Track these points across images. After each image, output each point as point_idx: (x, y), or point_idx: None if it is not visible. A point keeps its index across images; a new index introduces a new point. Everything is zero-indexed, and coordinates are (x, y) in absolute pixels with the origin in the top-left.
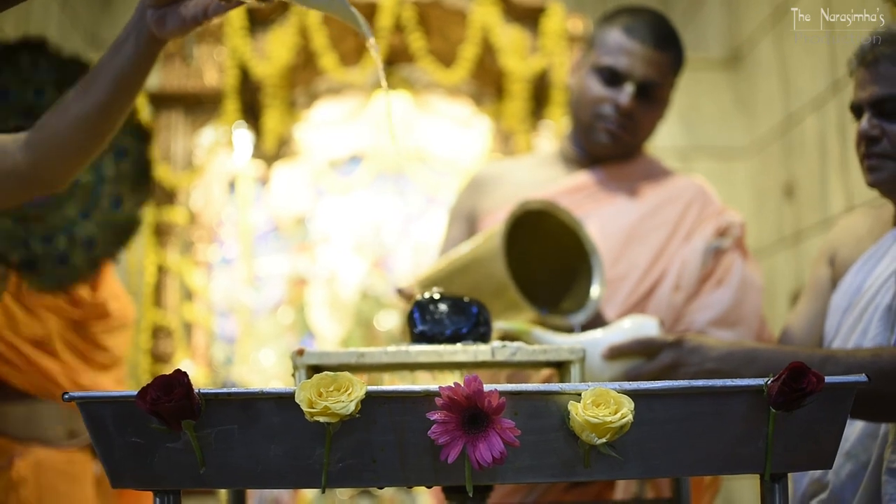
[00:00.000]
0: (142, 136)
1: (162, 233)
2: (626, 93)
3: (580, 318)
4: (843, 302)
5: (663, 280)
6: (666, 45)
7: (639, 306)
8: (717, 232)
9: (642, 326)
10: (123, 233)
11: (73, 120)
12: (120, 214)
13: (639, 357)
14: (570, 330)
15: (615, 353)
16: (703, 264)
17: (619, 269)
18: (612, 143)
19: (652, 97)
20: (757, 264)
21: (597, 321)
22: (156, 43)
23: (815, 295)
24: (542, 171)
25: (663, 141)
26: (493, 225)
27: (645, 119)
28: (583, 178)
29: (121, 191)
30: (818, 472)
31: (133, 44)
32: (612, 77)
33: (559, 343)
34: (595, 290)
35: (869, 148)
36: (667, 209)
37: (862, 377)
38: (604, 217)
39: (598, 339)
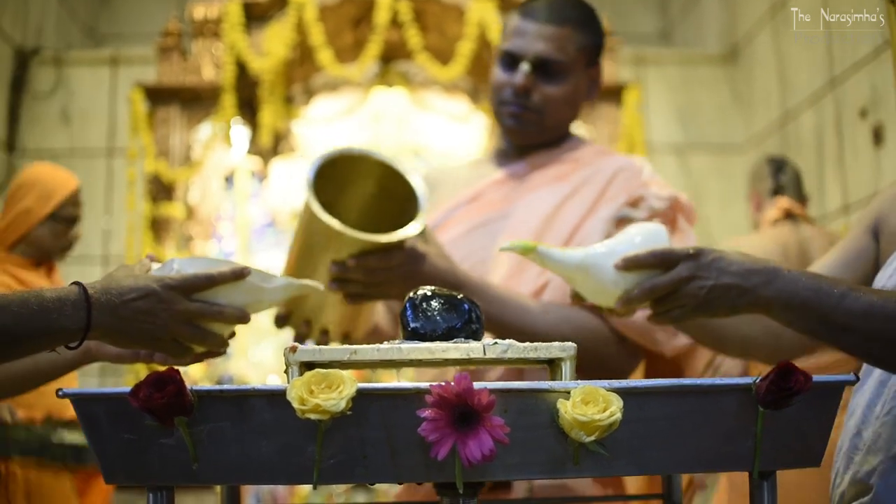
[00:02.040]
0: None
1: (159, 228)
2: (521, 72)
3: (409, 230)
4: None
5: None
6: (563, 20)
7: (544, 289)
8: (628, 202)
9: (655, 235)
10: None
11: None
12: None
13: (654, 269)
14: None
15: (630, 265)
16: (606, 235)
17: None
18: (517, 126)
19: (553, 73)
20: (687, 242)
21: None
22: (91, 357)
23: (844, 257)
24: (476, 170)
25: (660, 136)
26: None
27: (551, 98)
28: (508, 170)
29: None
30: (861, 473)
31: (70, 357)
32: (510, 61)
33: (567, 258)
34: (419, 210)
35: None
36: (587, 188)
37: (850, 376)
38: (527, 205)
39: (610, 251)
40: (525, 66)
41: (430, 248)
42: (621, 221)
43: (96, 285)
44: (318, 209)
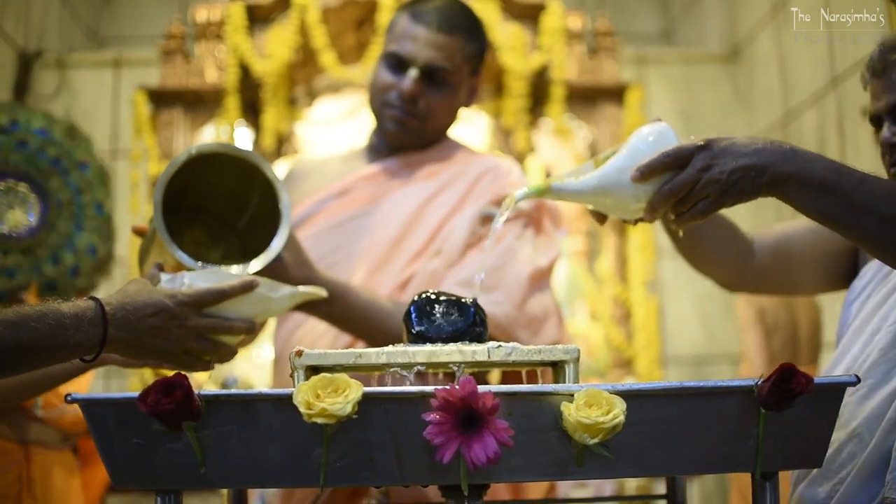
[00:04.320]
0: (88, 144)
1: None
2: (409, 78)
3: (256, 264)
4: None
5: (428, 250)
6: (453, 29)
7: (408, 282)
8: (493, 201)
9: (661, 135)
10: (112, 231)
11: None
12: (104, 216)
13: (670, 170)
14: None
15: (647, 173)
16: (470, 232)
17: (399, 249)
18: (400, 131)
19: (440, 82)
20: (552, 245)
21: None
22: (100, 362)
23: (819, 233)
24: (348, 164)
25: None
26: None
27: (436, 105)
28: (378, 166)
29: (96, 196)
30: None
31: (79, 362)
32: (397, 63)
33: (584, 186)
34: (281, 233)
35: (893, 155)
36: (455, 185)
37: (851, 378)
38: (395, 202)
39: (622, 166)
40: (414, 73)
41: (288, 258)
42: (486, 219)
43: (112, 301)
44: (165, 238)
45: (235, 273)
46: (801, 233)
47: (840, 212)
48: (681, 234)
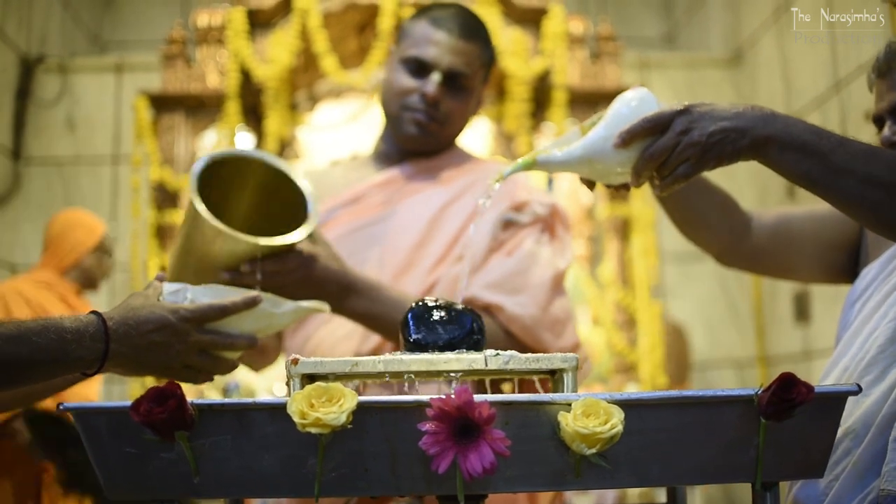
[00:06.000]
0: None
1: (164, 235)
2: (433, 81)
3: (298, 234)
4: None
5: (450, 255)
6: (472, 35)
7: (433, 287)
8: (512, 207)
9: (643, 101)
10: None
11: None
12: None
13: (651, 135)
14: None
15: (628, 139)
16: (492, 237)
17: (421, 253)
18: (421, 134)
19: (459, 87)
20: (566, 249)
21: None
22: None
23: (814, 212)
24: (356, 172)
25: None
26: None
27: (454, 110)
28: (391, 173)
29: None
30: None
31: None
32: (419, 67)
33: (569, 157)
34: (309, 207)
35: None
36: (470, 192)
37: (853, 387)
38: (410, 207)
39: (605, 134)
40: (437, 77)
41: (321, 250)
42: (507, 224)
43: (114, 316)
44: (204, 212)
45: (293, 237)
46: (801, 219)
47: (820, 173)
48: (666, 197)
